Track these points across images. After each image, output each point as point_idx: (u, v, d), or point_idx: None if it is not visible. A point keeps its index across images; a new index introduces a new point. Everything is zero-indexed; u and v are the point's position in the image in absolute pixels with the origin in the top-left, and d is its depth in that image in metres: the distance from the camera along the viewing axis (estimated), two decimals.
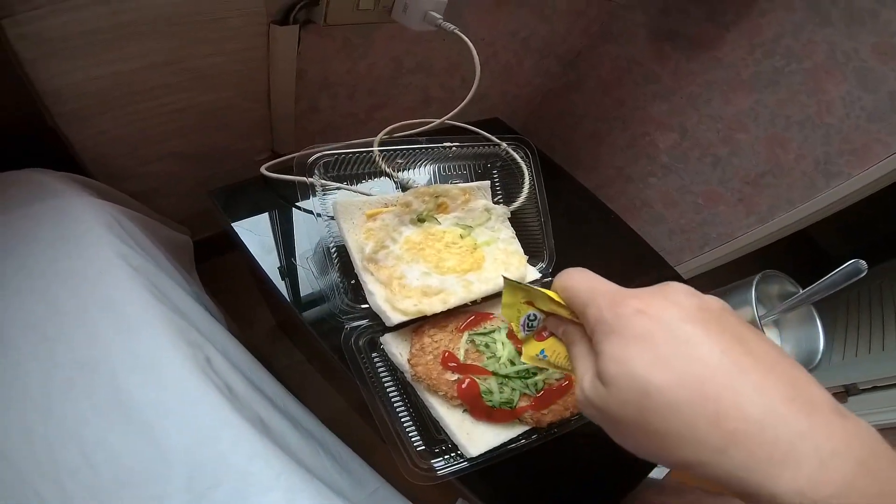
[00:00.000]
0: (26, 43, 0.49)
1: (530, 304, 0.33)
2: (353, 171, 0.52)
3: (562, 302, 0.29)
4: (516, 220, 0.57)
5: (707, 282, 1.24)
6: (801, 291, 0.46)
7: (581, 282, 0.27)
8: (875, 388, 1.20)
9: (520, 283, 0.32)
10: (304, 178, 0.47)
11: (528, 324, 0.33)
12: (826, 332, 0.47)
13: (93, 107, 0.59)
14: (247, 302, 0.85)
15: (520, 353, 0.45)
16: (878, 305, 1.45)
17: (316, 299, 0.50)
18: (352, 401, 0.81)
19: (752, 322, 0.46)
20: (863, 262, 0.41)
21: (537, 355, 0.33)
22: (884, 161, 0.90)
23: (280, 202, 0.55)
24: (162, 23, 0.56)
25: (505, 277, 0.33)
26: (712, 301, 0.24)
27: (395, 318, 0.44)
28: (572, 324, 0.28)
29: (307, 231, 0.54)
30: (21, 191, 0.51)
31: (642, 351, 0.22)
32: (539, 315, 0.32)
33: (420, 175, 0.57)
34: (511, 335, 0.47)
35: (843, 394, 1.25)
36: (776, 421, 0.19)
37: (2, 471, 0.34)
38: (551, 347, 0.32)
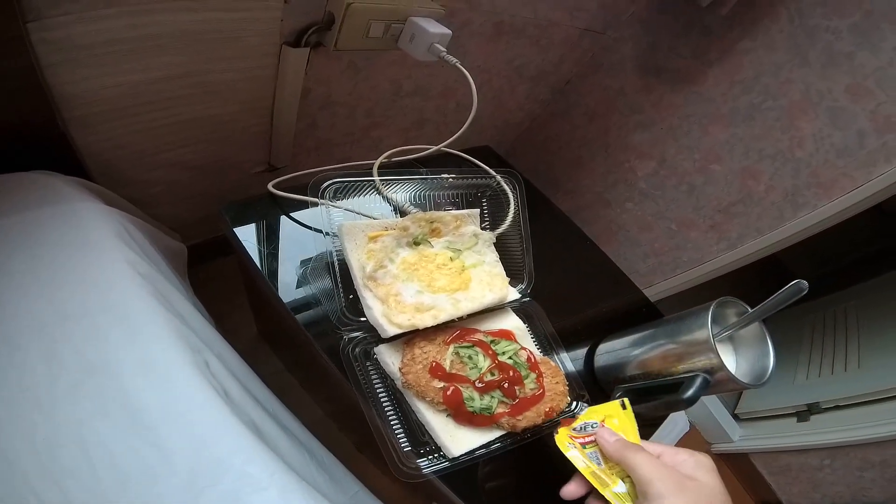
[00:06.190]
0: (48, 48, 0.50)
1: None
2: (357, 195, 0.56)
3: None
4: (500, 245, 0.61)
5: (677, 302, 1.30)
6: (749, 311, 0.51)
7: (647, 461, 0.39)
8: (837, 408, 1.26)
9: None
10: (316, 200, 0.50)
11: (584, 427, 0.45)
12: (780, 351, 0.52)
13: (104, 114, 0.61)
14: (228, 309, 0.85)
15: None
16: (843, 328, 1.51)
17: (314, 310, 0.54)
18: (330, 409, 0.84)
19: (707, 340, 0.51)
20: (804, 282, 0.44)
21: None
22: (849, 193, 0.96)
23: (283, 217, 0.58)
24: (182, 38, 0.58)
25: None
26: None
27: (391, 330, 0.48)
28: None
29: (308, 245, 0.57)
30: (32, 193, 0.52)
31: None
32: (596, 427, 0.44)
33: (416, 201, 0.61)
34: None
35: (807, 412, 1.30)
36: None
37: (0, 470, 0.35)
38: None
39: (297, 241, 0.58)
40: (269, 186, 0.56)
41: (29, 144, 0.58)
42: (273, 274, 0.55)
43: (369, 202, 0.57)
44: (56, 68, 0.53)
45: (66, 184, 0.55)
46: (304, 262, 0.56)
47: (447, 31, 0.67)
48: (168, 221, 0.73)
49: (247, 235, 0.56)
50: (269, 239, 0.57)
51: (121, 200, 0.63)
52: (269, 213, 0.58)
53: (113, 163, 0.68)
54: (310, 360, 0.56)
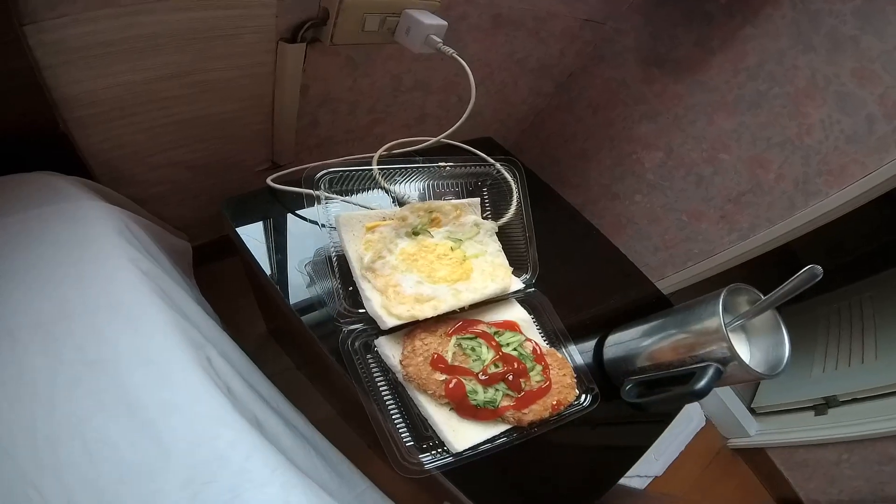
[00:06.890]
0: (46, 50, 0.51)
1: None
2: (355, 186, 0.56)
3: None
4: (503, 235, 0.60)
5: (689, 295, 1.28)
6: (763, 298, 0.50)
7: None
8: (855, 400, 1.24)
9: None
10: (311, 192, 0.50)
11: None
12: (795, 344, 0.50)
13: (104, 114, 0.62)
14: (236, 309, 0.86)
15: None
16: (859, 320, 1.48)
17: (315, 305, 0.53)
18: (339, 406, 0.83)
19: (719, 329, 0.49)
20: (818, 267, 0.42)
21: None
22: (860, 180, 0.93)
23: (284, 212, 0.58)
24: (178, 37, 0.58)
25: None
26: None
27: (389, 322, 0.47)
28: None
29: (309, 240, 0.57)
30: (33, 192, 0.52)
31: None
32: None
33: (416, 191, 0.60)
34: None
35: (824, 406, 1.28)
36: None
37: (1, 466, 0.35)
38: None
39: (298, 236, 0.57)
40: (268, 181, 0.56)
41: (31, 145, 0.59)
42: (275, 270, 0.54)
43: (368, 194, 0.57)
44: (54, 70, 0.53)
45: (67, 183, 0.55)
46: (305, 257, 0.56)
47: (443, 21, 0.66)
48: (174, 221, 0.73)
49: (248, 231, 0.55)
50: (270, 234, 0.57)
51: (123, 199, 0.63)
52: (269, 209, 0.58)
53: (114, 163, 0.69)
54: (313, 356, 0.55)
